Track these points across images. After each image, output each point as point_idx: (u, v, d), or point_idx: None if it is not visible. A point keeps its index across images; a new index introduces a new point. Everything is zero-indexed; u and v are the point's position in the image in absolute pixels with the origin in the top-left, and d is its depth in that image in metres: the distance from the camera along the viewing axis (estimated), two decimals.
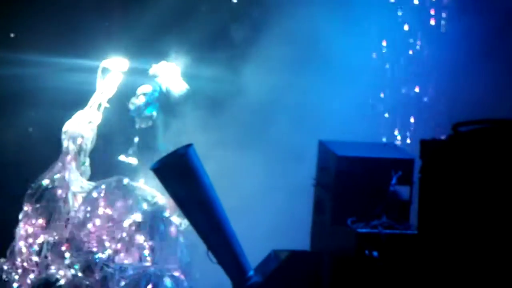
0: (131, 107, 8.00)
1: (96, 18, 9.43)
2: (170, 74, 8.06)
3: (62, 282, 7.18)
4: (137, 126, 8.00)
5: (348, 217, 6.19)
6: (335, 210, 6.30)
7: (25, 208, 7.55)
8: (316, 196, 6.56)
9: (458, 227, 4.99)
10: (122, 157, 7.92)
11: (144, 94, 8.00)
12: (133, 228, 7.39)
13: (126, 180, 7.59)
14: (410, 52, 8.95)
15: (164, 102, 8.00)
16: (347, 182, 6.28)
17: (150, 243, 7.39)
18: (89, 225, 7.38)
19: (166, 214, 7.49)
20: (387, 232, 6.08)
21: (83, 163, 7.68)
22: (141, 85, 8.08)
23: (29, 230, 7.45)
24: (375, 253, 5.98)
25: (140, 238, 7.35)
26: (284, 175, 8.57)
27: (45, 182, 7.52)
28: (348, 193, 6.28)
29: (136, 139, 8.00)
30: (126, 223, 7.38)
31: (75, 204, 7.50)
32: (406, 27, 8.98)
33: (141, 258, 7.34)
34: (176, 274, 7.38)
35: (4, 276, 7.46)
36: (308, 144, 6.64)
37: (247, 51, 9.18)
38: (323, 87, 8.75)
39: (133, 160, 7.92)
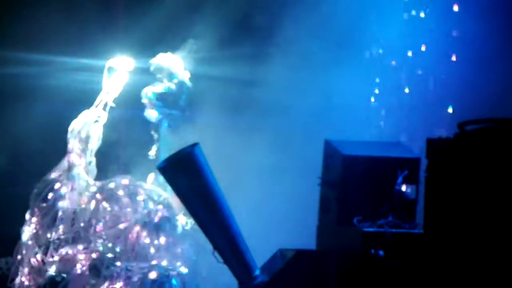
0: (149, 101, 7.96)
1: (103, 17, 9.44)
2: (180, 68, 8.06)
3: (68, 281, 7.19)
4: (152, 119, 8.00)
5: (354, 216, 6.18)
6: (341, 209, 6.29)
7: (32, 207, 7.56)
8: (322, 195, 6.55)
9: (464, 226, 4.98)
10: (151, 152, 7.93)
11: (169, 94, 7.99)
12: (139, 227, 7.40)
13: (131, 180, 7.60)
14: (423, 48, 8.96)
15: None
16: (353, 181, 6.27)
17: (156, 242, 7.40)
18: (95, 224, 7.40)
19: (172, 213, 7.51)
20: (393, 231, 6.07)
21: (89, 162, 7.69)
22: (147, 83, 8.09)
23: (35, 229, 7.47)
24: (381, 252, 5.97)
25: (146, 237, 7.36)
26: (292, 174, 8.57)
27: (52, 181, 7.54)
28: (354, 192, 6.27)
29: (155, 135, 8.00)
30: (132, 222, 7.39)
31: (81, 203, 7.51)
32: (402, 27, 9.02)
33: (147, 257, 7.35)
34: (182, 272, 7.39)
35: (10, 274, 7.49)
36: (321, 144, 6.62)
37: (261, 46, 9.17)
38: (341, 84, 8.76)
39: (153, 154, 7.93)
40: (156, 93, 7.95)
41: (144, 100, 7.97)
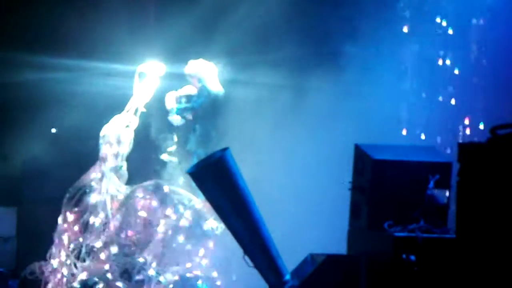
0: (170, 104, 8.01)
1: (134, 22, 9.49)
2: (210, 74, 8.08)
3: (100, 286, 7.24)
4: (175, 123, 8.04)
5: (385, 221, 6.15)
6: (371, 214, 6.26)
7: (64, 212, 7.63)
8: (353, 200, 6.52)
9: (497, 231, 4.93)
10: (164, 156, 7.97)
11: (188, 96, 8.02)
12: (170, 232, 7.43)
13: (162, 184, 7.64)
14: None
15: (206, 106, 8.04)
16: (384, 186, 6.23)
17: (187, 246, 7.42)
18: (126, 229, 7.44)
19: (203, 217, 7.52)
20: (425, 236, 6.02)
21: (120, 167, 7.74)
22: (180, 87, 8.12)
23: (68, 234, 7.53)
24: (412, 257, 5.93)
25: (176, 242, 7.39)
26: (323, 179, 8.54)
27: (83, 186, 7.60)
28: (385, 197, 6.23)
29: (175, 139, 8.04)
30: (163, 227, 7.42)
31: (113, 208, 7.56)
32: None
33: (178, 262, 7.37)
34: (213, 277, 7.41)
35: (43, 278, 7.55)
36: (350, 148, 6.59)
37: (300, 51, 9.13)
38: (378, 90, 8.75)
39: (174, 159, 7.96)
40: (176, 97, 8.00)
41: (167, 105, 8.02)
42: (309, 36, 9.18)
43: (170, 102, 8.04)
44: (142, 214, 7.47)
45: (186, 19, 9.16)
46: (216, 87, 8.06)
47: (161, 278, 7.15)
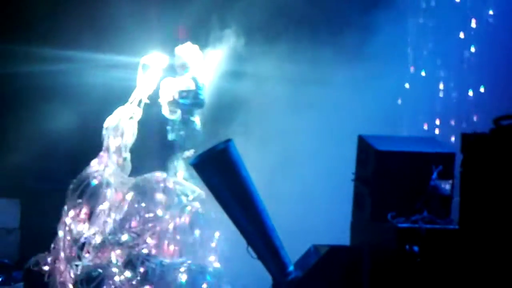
0: (166, 97, 8.00)
1: (137, 13, 9.48)
2: (198, 61, 8.06)
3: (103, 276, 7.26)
4: (171, 117, 8.03)
5: (388, 212, 6.14)
6: (374, 205, 6.25)
7: (68, 203, 7.64)
8: (356, 191, 6.52)
9: (500, 222, 4.94)
10: (187, 153, 7.95)
11: (189, 91, 8.01)
12: (173, 222, 7.44)
13: (166, 175, 7.65)
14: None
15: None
16: (387, 177, 6.22)
17: (190, 237, 7.43)
18: (130, 220, 7.46)
19: (206, 208, 7.53)
20: (428, 227, 6.02)
21: (124, 158, 7.75)
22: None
23: (71, 225, 7.55)
24: (415, 248, 5.93)
25: (180, 233, 7.40)
26: (326, 170, 8.54)
27: (87, 177, 7.61)
28: (388, 188, 6.22)
29: (182, 133, 8.04)
30: (166, 218, 7.43)
31: (116, 199, 7.57)
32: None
33: (182, 253, 7.39)
34: (216, 268, 7.42)
35: (47, 269, 7.57)
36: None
37: (305, 41, 9.10)
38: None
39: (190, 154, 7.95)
40: (179, 92, 7.98)
41: (163, 98, 8.00)
42: (325, 27, 9.15)
43: (167, 95, 8.02)
44: (146, 205, 7.47)
45: (190, 10, 9.14)
46: (202, 75, 8.05)
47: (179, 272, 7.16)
